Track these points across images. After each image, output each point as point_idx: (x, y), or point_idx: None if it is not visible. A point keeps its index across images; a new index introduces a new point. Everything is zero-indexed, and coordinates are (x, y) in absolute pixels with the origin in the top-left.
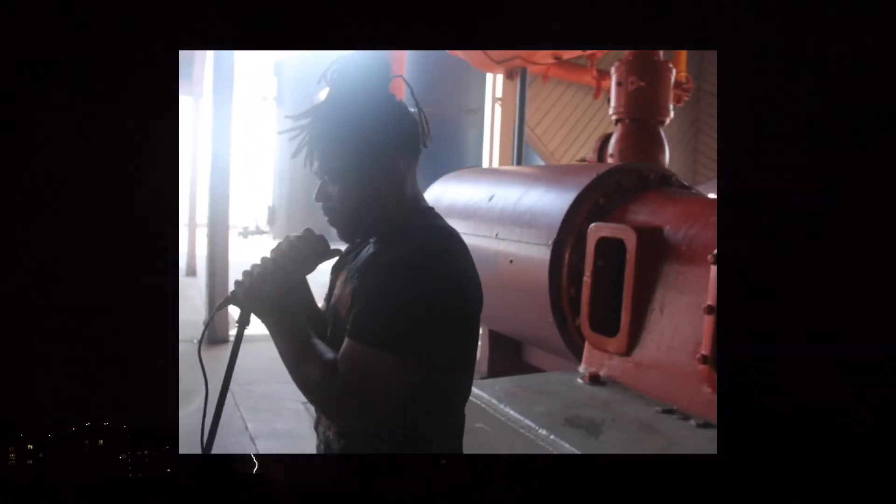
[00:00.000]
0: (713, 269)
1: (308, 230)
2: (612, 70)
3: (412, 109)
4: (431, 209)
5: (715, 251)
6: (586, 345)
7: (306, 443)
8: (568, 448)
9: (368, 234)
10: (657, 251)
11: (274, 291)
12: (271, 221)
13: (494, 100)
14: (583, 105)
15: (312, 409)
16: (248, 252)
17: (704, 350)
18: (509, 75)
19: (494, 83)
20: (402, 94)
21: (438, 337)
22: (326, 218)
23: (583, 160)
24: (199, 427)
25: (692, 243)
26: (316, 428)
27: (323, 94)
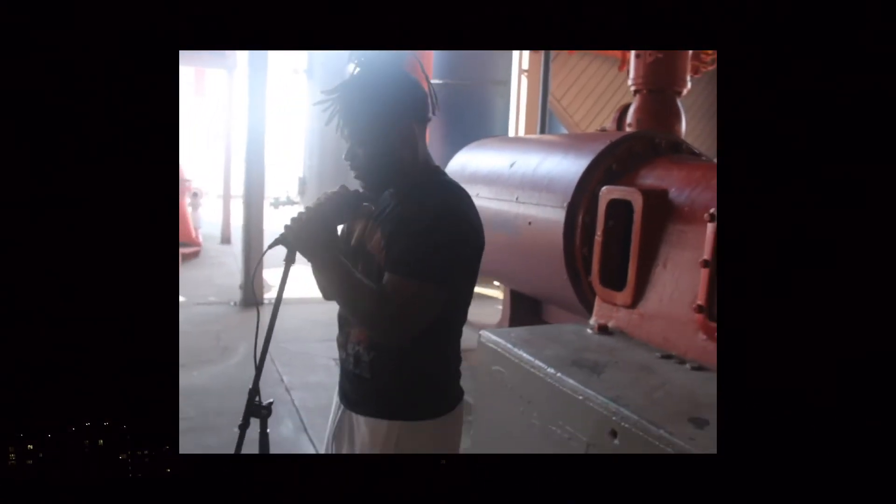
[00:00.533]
0: (710, 226)
1: (343, 186)
2: None
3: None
4: (440, 168)
5: (711, 210)
6: (597, 299)
7: (335, 393)
8: (571, 384)
9: (389, 186)
10: (662, 212)
11: (317, 233)
12: (302, 192)
13: (521, 72)
14: (608, 76)
15: (339, 359)
16: (280, 221)
17: (700, 300)
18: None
19: (521, 56)
20: (430, 68)
21: (460, 269)
22: (354, 174)
23: (603, 129)
24: (240, 376)
25: (693, 204)
26: (343, 345)
27: (350, 68)
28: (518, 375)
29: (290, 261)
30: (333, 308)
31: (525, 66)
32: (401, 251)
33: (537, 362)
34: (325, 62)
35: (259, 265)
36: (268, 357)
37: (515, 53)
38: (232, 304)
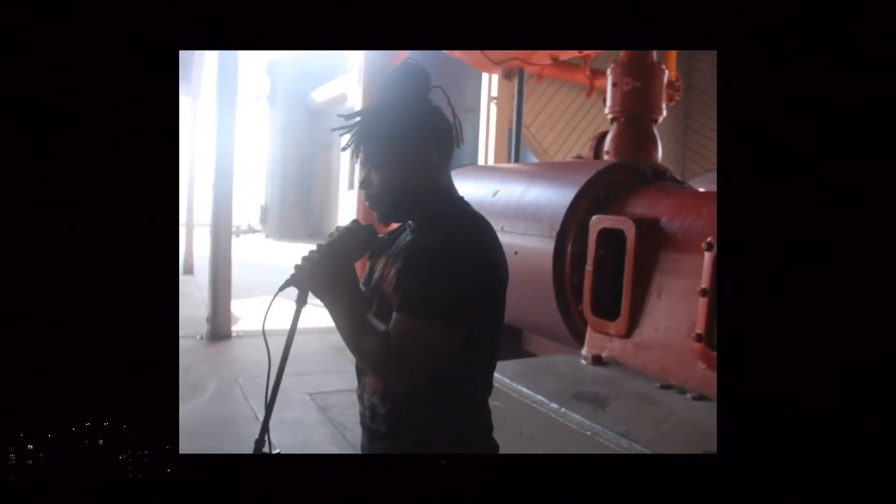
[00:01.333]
0: (707, 255)
1: (356, 220)
2: (609, 71)
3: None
4: (462, 199)
5: (708, 239)
6: (588, 329)
7: (314, 429)
8: (578, 419)
9: (404, 217)
10: (654, 241)
11: (332, 273)
12: (263, 220)
13: (490, 99)
14: (576, 103)
15: (327, 399)
16: (242, 250)
17: (699, 329)
18: (507, 75)
19: (490, 83)
20: None
21: (472, 309)
22: (368, 202)
23: (579, 157)
24: (212, 413)
25: (687, 233)
26: (360, 397)
27: (348, 82)
28: (518, 411)
29: (301, 302)
30: (306, 339)
31: (494, 93)
32: (406, 287)
33: (539, 397)
34: (288, 88)
35: (270, 304)
36: (240, 393)
37: (485, 80)
38: (199, 337)
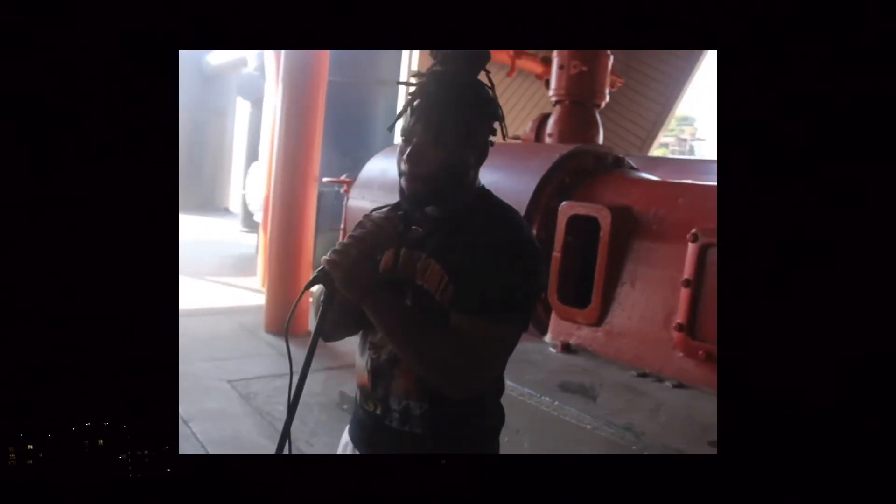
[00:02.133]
0: (691, 246)
1: (391, 209)
2: (555, 54)
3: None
4: (489, 190)
5: (693, 230)
6: (553, 316)
7: (239, 421)
8: (574, 413)
9: (440, 201)
10: (627, 229)
11: (370, 272)
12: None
13: (410, 73)
14: (495, 81)
15: (249, 387)
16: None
17: (680, 319)
18: None
19: (410, 56)
20: None
21: (533, 305)
22: (410, 177)
23: (516, 138)
24: None
25: (663, 223)
26: (384, 400)
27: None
28: (509, 403)
29: (329, 302)
30: (213, 321)
31: (415, 66)
32: (475, 287)
33: (525, 389)
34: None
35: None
36: None
37: (404, 53)
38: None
